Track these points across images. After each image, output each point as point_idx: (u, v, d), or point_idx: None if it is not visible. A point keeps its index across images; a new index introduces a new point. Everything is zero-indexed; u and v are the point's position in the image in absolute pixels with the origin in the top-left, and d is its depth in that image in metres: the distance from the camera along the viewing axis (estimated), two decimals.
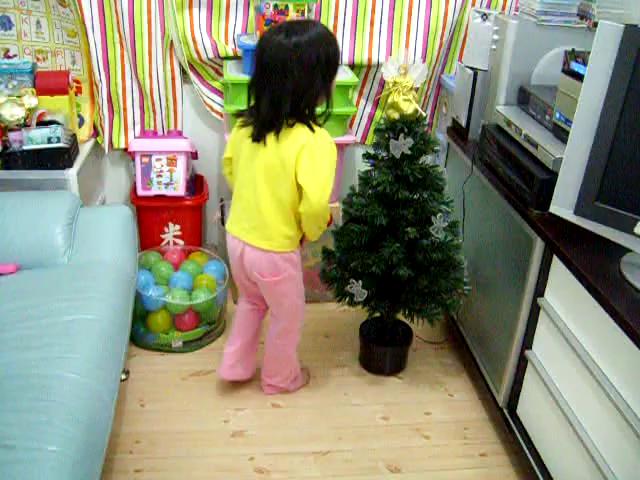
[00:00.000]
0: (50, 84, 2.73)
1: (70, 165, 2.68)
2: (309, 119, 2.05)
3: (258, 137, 2.06)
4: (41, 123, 2.67)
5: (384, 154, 2.35)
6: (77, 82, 2.93)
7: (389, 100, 2.30)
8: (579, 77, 1.98)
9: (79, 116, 2.94)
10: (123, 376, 2.60)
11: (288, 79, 1.95)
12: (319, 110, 2.10)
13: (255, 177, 2.11)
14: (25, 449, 1.55)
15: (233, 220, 2.25)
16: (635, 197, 1.71)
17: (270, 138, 2.04)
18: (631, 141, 1.69)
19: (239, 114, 2.17)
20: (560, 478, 2.01)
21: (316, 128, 2.06)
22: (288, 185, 2.07)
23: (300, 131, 2.03)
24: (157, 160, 2.92)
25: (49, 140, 2.61)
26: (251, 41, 2.74)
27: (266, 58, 1.97)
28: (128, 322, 2.32)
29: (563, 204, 1.87)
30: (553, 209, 1.90)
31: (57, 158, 2.64)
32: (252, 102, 2.08)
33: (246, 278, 2.33)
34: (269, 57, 1.96)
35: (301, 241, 2.29)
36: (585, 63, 1.82)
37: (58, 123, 2.67)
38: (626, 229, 1.73)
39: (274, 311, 2.42)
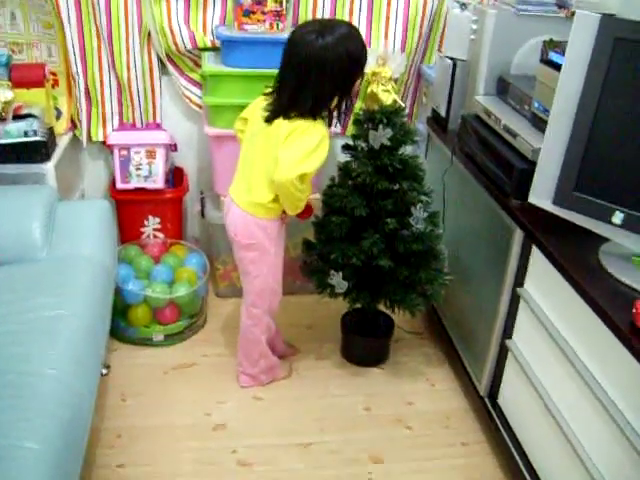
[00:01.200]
0: (26, 77, 2.69)
1: (48, 159, 2.65)
2: (319, 113, 2.13)
3: (269, 119, 2.15)
4: (17, 117, 2.63)
5: (363, 145, 2.34)
6: (54, 74, 2.89)
7: (368, 91, 2.31)
8: (557, 67, 1.97)
9: (56, 109, 2.91)
10: (104, 370, 2.58)
11: (313, 78, 2.05)
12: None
13: (254, 145, 2.22)
14: (3, 447, 1.54)
15: (233, 182, 2.35)
16: (612, 187, 1.72)
17: (278, 120, 2.12)
18: (608, 131, 1.70)
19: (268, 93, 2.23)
20: (541, 466, 2.03)
21: (318, 119, 2.12)
22: (275, 156, 2.12)
23: (303, 119, 2.11)
24: (136, 153, 2.90)
25: (26, 134, 2.57)
26: (229, 32, 2.72)
27: (295, 54, 2.07)
28: (108, 316, 2.30)
29: (542, 194, 1.87)
30: (532, 199, 1.90)
31: (34, 152, 2.61)
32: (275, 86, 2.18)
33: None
34: (297, 53, 2.06)
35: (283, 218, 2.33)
36: (563, 53, 1.82)
37: (35, 116, 2.64)
38: (604, 219, 1.74)
39: (243, 284, 2.45)
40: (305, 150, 2.10)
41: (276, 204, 2.24)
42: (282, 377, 2.65)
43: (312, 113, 2.10)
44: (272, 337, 2.62)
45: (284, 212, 2.29)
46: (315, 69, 2.04)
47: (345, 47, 2.05)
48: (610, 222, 1.72)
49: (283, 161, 2.08)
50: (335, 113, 2.21)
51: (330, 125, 2.20)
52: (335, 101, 2.16)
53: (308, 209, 2.67)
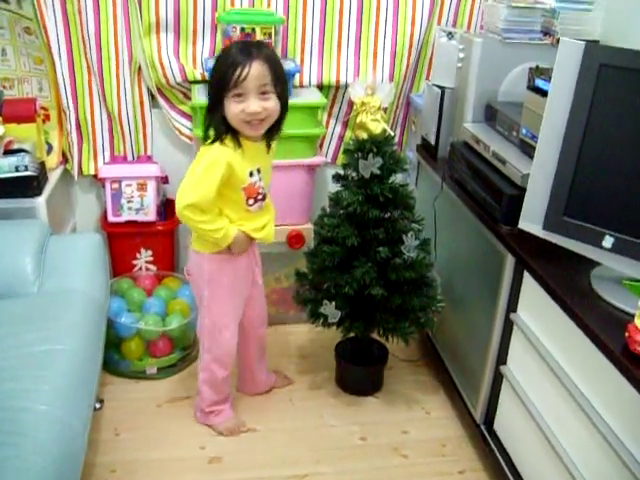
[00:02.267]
0: (17, 112, 2.70)
1: (39, 193, 2.65)
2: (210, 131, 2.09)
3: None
4: (8, 152, 2.64)
5: (354, 174, 2.35)
6: (45, 109, 2.90)
7: (357, 120, 2.32)
8: (544, 93, 1.99)
9: (47, 143, 2.91)
10: (97, 405, 2.56)
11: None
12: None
13: None
14: None
15: None
16: (602, 211, 1.73)
17: None
18: (596, 155, 1.71)
19: None
20: None
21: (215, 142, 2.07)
22: None
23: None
24: (127, 186, 2.90)
25: (17, 169, 2.58)
26: None
27: None
28: (100, 350, 2.29)
29: (532, 220, 1.88)
30: (522, 225, 1.91)
31: (25, 186, 2.61)
32: None
33: None
34: None
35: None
36: (549, 79, 1.84)
37: (26, 151, 2.64)
38: (594, 243, 1.75)
39: None
40: (192, 179, 2.06)
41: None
42: (219, 430, 2.52)
43: (213, 135, 2.07)
44: (250, 368, 2.61)
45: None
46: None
47: (217, 60, 2.04)
48: (600, 246, 1.73)
49: (178, 192, 2.08)
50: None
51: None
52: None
53: (299, 239, 2.68)
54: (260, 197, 2.17)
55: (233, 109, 1.99)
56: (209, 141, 2.07)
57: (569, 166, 1.76)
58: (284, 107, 2.09)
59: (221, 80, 1.98)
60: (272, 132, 2.14)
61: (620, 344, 1.55)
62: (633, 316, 1.55)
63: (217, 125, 2.04)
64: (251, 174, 2.11)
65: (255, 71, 1.95)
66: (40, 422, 1.73)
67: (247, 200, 2.15)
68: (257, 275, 2.41)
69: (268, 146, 2.17)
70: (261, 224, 2.23)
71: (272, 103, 2.02)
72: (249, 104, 1.98)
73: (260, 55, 1.97)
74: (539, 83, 2.11)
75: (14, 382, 1.85)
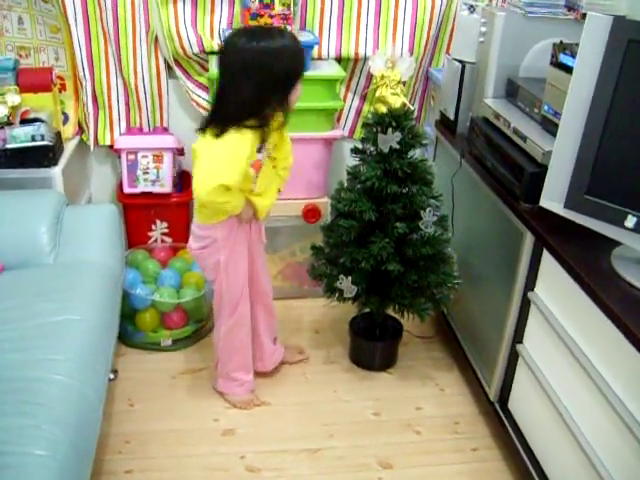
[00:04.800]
0: (33, 81, 2.69)
1: (55, 163, 2.65)
2: (241, 121, 2.03)
3: (203, 129, 2.09)
4: (25, 121, 2.63)
5: (372, 148, 2.33)
6: (61, 79, 2.89)
7: (377, 94, 2.30)
8: (568, 69, 1.96)
9: (63, 113, 2.90)
10: (112, 376, 2.55)
11: (246, 84, 1.98)
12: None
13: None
14: (12, 454, 1.53)
15: None
16: (625, 190, 1.70)
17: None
18: (620, 134, 1.68)
19: None
20: (552, 471, 2.01)
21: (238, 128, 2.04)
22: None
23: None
24: (143, 157, 2.89)
25: (33, 138, 2.57)
26: None
27: (229, 61, 2.01)
28: (115, 321, 2.30)
29: (553, 198, 1.86)
30: (543, 203, 1.89)
31: (41, 156, 2.61)
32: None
33: None
34: (232, 60, 2.00)
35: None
36: (574, 55, 1.80)
37: (42, 121, 2.63)
38: (616, 222, 1.72)
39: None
40: (216, 160, 2.03)
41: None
42: (233, 402, 2.53)
43: (237, 120, 2.02)
44: (258, 341, 2.58)
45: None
46: (239, 73, 1.98)
47: (276, 52, 1.98)
48: (623, 226, 1.70)
49: (195, 177, 2.04)
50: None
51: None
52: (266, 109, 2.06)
53: (315, 212, 2.67)
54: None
55: (298, 93, 2.07)
56: (233, 128, 2.02)
57: (592, 144, 1.73)
58: None
59: (297, 69, 2.05)
60: None
61: None
62: None
63: (268, 114, 2.05)
64: (259, 150, 2.12)
65: None
66: (56, 392, 1.74)
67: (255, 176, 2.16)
68: (262, 236, 2.41)
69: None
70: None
71: None
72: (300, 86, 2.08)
73: None
74: (563, 59, 2.07)
75: (30, 352, 1.86)
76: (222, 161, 2.02)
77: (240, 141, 2.02)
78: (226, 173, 2.00)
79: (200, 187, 2.02)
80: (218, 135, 2.02)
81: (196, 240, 2.26)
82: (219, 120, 2.04)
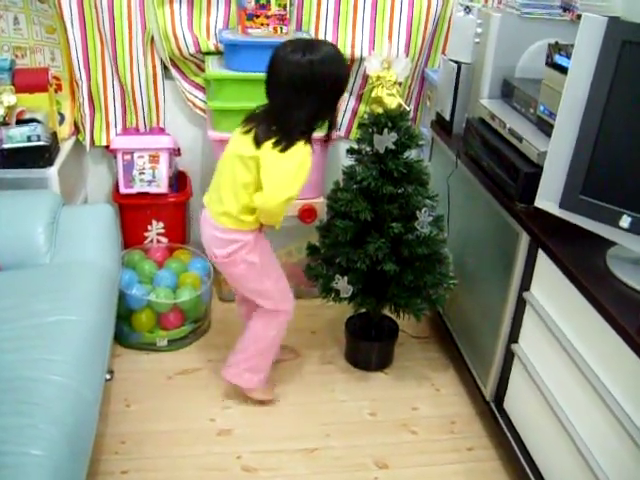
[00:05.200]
0: (29, 81, 2.68)
1: (51, 164, 2.64)
2: (307, 133, 2.10)
3: (259, 143, 2.08)
4: (20, 121, 2.63)
5: (368, 149, 2.34)
6: (57, 79, 2.89)
7: (373, 94, 2.30)
8: (563, 70, 1.97)
9: (59, 114, 2.90)
10: (108, 376, 2.56)
11: (309, 99, 2.03)
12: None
13: (233, 163, 2.15)
14: (8, 453, 1.53)
15: (208, 193, 2.30)
16: (620, 190, 1.71)
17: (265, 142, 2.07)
18: (616, 134, 1.69)
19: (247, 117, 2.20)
20: (547, 471, 2.01)
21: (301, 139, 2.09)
22: (250, 178, 2.12)
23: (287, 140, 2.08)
24: (139, 157, 2.90)
25: (29, 139, 2.57)
26: (232, 36, 2.71)
27: (280, 73, 2.03)
28: (112, 322, 2.29)
29: (548, 198, 1.86)
30: (538, 203, 1.89)
31: (37, 157, 2.60)
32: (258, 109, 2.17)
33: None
34: (284, 73, 2.02)
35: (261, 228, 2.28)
36: (569, 56, 1.81)
37: (38, 121, 2.63)
38: (612, 222, 1.73)
39: (247, 295, 2.40)
40: (289, 175, 2.07)
41: (250, 217, 2.19)
42: (258, 398, 2.54)
43: (300, 133, 2.07)
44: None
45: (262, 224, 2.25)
46: (306, 88, 2.01)
47: (333, 65, 2.04)
48: (617, 226, 1.71)
49: (268, 188, 2.06)
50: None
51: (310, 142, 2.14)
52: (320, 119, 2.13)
53: (311, 213, 2.67)
54: None
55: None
56: (300, 142, 2.08)
57: (587, 144, 1.74)
58: None
59: (347, 74, 2.14)
60: None
61: (635, 325, 1.54)
62: None
63: (315, 123, 2.12)
64: None
65: None
66: (53, 392, 1.74)
67: None
68: None
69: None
70: None
71: None
72: None
73: None
74: (559, 59, 2.08)
75: (26, 352, 1.86)
76: (292, 176, 2.08)
77: (306, 155, 2.09)
78: (295, 187, 2.08)
79: (272, 199, 2.06)
80: (284, 149, 2.05)
81: (223, 246, 2.23)
82: (283, 135, 2.06)
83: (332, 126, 2.20)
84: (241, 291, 2.43)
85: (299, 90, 2.01)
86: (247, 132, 2.12)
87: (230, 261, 2.25)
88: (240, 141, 2.13)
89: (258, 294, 2.35)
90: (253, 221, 2.20)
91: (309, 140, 2.11)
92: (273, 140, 2.05)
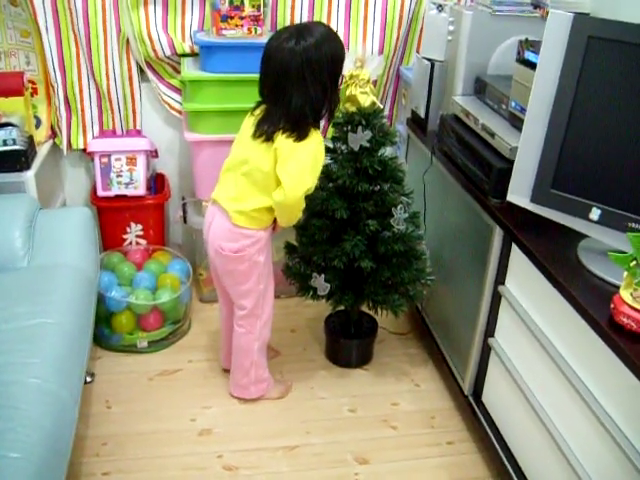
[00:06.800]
0: (4, 85, 2.68)
1: (27, 167, 2.64)
2: (316, 120, 2.12)
3: (269, 137, 2.09)
4: None
5: (343, 147, 2.35)
6: (32, 83, 2.88)
7: (347, 93, 2.31)
8: (533, 66, 1.99)
9: (36, 117, 2.90)
10: (88, 378, 2.58)
11: (312, 84, 2.04)
12: None
13: (247, 156, 2.16)
14: None
15: (217, 188, 2.29)
16: (589, 183, 1.74)
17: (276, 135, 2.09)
18: (584, 128, 1.72)
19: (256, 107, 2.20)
20: (526, 463, 2.04)
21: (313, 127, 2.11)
22: (267, 170, 2.12)
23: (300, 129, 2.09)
24: (116, 160, 2.90)
25: (5, 143, 2.57)
26: (207, 38, 2.72)
27: (278, 63, 2.03)
28: (90, 324, 2.29)
29: (520, 192, 1.89)
30: (510, 197, 1.92)
31: (14, 161, 2.60)
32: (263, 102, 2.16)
33: (213, 264, 2.36)
34: (281, 62, 2.02)
35: (274, 228, 2.31)
36: (538, 52, 1.83)
37: (14, 125, 2.63)
38: (582, 215, 1.76)
39: (232, 294, 2.39)
40: (305, 166, 2.08)
41: (267, 215, 2.21)
42: (276, 397, 2.59)
43: (311, 120, 2.09)
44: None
45: (275, 223, 2.27)
46: (303, 73, 2.02)
47: (329, 46, 2.05)
48: (588, 218, 1.74)
49: (287, 181, 2.06)
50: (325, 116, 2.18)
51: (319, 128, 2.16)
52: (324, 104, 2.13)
53: None
54: None
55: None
56: (311, 129, 2.10)
57: (557, 139, 1.76)
58: None
59: (342, 58, 2.13)
60: None
61: (606, 315, 1.57)
62: (618, 288, 1.57)
63: (322, 108, 2.12)
64: None
65: None
66: (31, 395, 1.74)
67: None
68: None
69: None
70: None
71: None
72: None
73: None
74: (528, 56, 2.10)
75: (4, 356, 1.86)
76: (309, 166, 2.10)
77: (320, 144, 2.12)
78: (313, 177, 2.12)
79: (293, 193, 2.07)
80: (298, 139, 2.07)
81: (235, 240, 2.22)
82: (293, 126, 2.07)
83: (332, 114, 2.19)
84: (230, 290, 2.39)
85: (299, 78, 2.02)
86: (258, 137, 2.11)
87: (238, 257, 2.24)
88: (252, 147, 2.13)
89: (246, 294, 2.35)
90: (267, 220, 2.22)
91: (318, 127, 2.13)
92: (286, 134, 2.07)
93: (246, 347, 2.46)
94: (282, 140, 2.06)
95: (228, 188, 2.22)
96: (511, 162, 1.96)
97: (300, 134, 2.07)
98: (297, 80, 2.03)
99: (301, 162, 2.07)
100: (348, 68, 2.26)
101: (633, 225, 1.66)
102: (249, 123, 2.17)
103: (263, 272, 2.33)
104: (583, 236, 1.86)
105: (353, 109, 2.26)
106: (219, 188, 2.27)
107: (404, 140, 2.95)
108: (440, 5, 2.59)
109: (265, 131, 2.09)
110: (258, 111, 2.16)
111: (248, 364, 2.48)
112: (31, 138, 2.73)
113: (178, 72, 2.96)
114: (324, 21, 2.91)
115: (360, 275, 2.43)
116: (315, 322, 2.96)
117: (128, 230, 3.07)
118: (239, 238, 2.22)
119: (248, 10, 2.67)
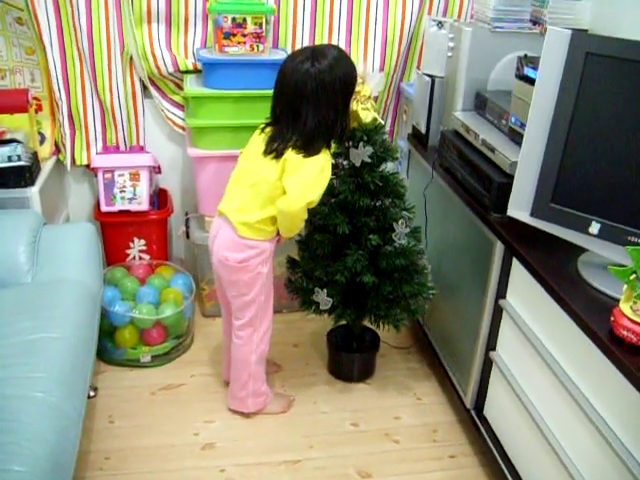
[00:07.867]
0: (9, 102, 2.71)
1: (32, 183, 2.66)
2: (328, 139, 2.17)
3: (279, 155, 2.13)
4: (1, 142, 2.64)
5: (345, 163, 2.37)
6: (37, 100, 2.91)
7: None
8: (532, 82, 2.01)
9: (40, 134, 2.92)
10: (92, 393, 2.58)
11: (318, 106, 2.09)
12: None
13: (254, 170, 2.21)
14: None
15: (224, 200, 2.31)
16: (589, 198, 1.75)
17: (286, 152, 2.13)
18: (583, 143, 1.74)
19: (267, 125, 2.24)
20: (528, 476, 2.04)
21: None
22: (273, 181, 2.15)
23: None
24: (120, 175, 2.92)
25: (9, 159, 2.59)
26: (210, 55, 2.75)
27: (292, 84, 2.08)
28: (94, 339, 2.31)
29: (520, 207, 1.90)
30: (511, 212, 1.93)
31: (18, 177, 2.62)
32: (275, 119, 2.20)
33: (217, 274, 2.37)
34: (296, 83, 2.07)
35: (278, 240, 2.33)
36: (537, 68, 1.85)
37: (18, 141, 2.65)
38: (581, 229, 1.77)
39: (233, 304, 2.40)
40: (312, 178, 2.12)
41: (271, 226, 2.24)
42: (278, 411, 2.60)
43: (323, 141, 2.13)
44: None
45: (279, 234, 2.29)
46: (317, 95, 2.06)
47: (342, 69, 2.09)
48: (587, 232, 1.76)
49: (292, 190, 2.11)
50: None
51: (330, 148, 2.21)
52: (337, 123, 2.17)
53: None
54: None
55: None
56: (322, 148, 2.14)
57: (556, 154, 1.78)
58: None
59: (354, 79, 2.17)
60: None
61: (606, 328, 1.58)
62: (618, 301, 1.58)
63: (334, 128, 2.16)
64: None
65: None
66: (36, 409, 1.76)
67: None
68: None
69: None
70: None
71: None
72: None
73: None
74: (528, 72, 2.13)
75: (9, 370, 1.87)
76: (315, 179, 2.13)
77: (328, 162, 2.17)
78: (317, 190, 2.15)
79: (296, 201, 2.12)
80: (308, 156, 2.11)
81: (240, 250, 2.25)
82: (304, 144, 2.11)
83: (343, 134, 2.23)
84: (232, 301, 2.39)
85: (313, 100, 2.07)
86: (268, 154, 2.15)
87: (242, 267, 2.26)
88: (262, 162, 2.17)
89: (248, 305, 2.36)
90: (272, 231, 2.25)
91: (329, 146, 2.17)
92: (296, 149, 2.11)
93: (243, 359, 2.46)
94: (292, 154, 2.11)
95: (233, 200, 2.26)
96: (511, 177, 1.97)
97: (310, 153, 2.10)
98: (311, 101, 2.07)
99: (308, 174, 2.11)
100: None
101: (632, 239, 1.68)
102: (259, 140, 2.21)
103: (266, 283, 2.34)
104: (583, 250, 1.87)
105: (354, 125, 2.28)
106: (225, 200, 2.30)
107: (405, 155, 2.97)
108: (440, 22, 2.62)
109: (276, 149, 2.13)
110: (269, 129, 2.19)
111: (246, 376, 2.49)
112: (35, 154, 2.75)
113: (181, 89, 2.98)
114: (325, 40, 2.94)
115: (362, 290, 2.44)
116: (317, 336, 2.97)
117: (131, 245, 3.08)
118: (244, 249, 2.24)
119: (250, 28, 2.70)
